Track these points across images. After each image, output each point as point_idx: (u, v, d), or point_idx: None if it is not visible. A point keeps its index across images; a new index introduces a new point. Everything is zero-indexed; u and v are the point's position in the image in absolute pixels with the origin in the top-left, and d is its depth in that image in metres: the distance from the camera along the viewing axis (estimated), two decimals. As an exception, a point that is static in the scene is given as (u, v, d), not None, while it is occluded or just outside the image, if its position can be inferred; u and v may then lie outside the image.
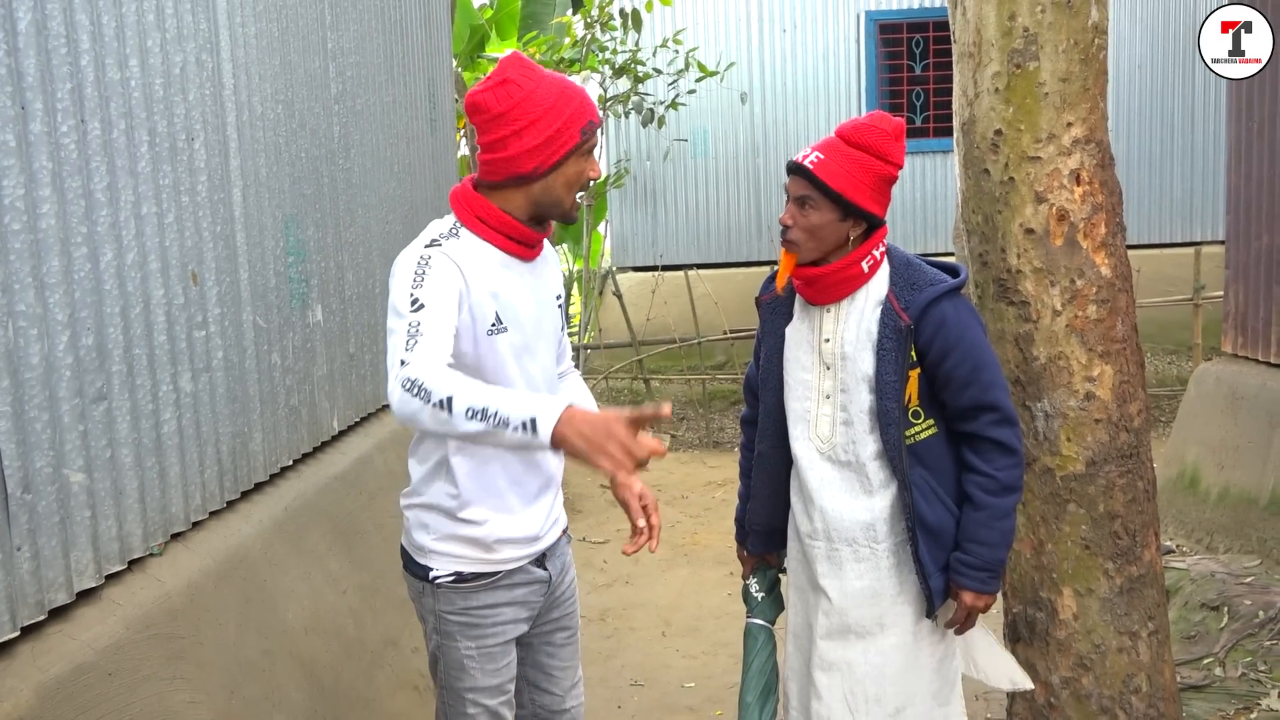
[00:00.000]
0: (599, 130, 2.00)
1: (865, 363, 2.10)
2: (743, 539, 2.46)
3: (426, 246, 1.91)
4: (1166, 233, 8.82)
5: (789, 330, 2.22)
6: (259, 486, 2.99)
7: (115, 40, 2.30)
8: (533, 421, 1.60)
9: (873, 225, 2.12)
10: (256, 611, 2.69)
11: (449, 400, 1.64)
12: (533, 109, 1.91)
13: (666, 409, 1.63)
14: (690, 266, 8.49)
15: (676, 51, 7.98)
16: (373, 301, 3.97)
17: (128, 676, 2.13)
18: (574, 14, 8.01)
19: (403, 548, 2.09)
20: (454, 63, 6.37)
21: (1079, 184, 2.42)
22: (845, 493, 2.16)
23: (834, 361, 2.14)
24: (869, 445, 2.12)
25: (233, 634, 2.55)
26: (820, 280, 2.12)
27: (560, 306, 2.13)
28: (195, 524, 2.62)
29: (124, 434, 2.30)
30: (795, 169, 2.10)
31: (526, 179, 1.94)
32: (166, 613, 2.32)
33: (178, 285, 2.54)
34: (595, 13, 7.58)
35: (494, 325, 1.94)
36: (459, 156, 6.57)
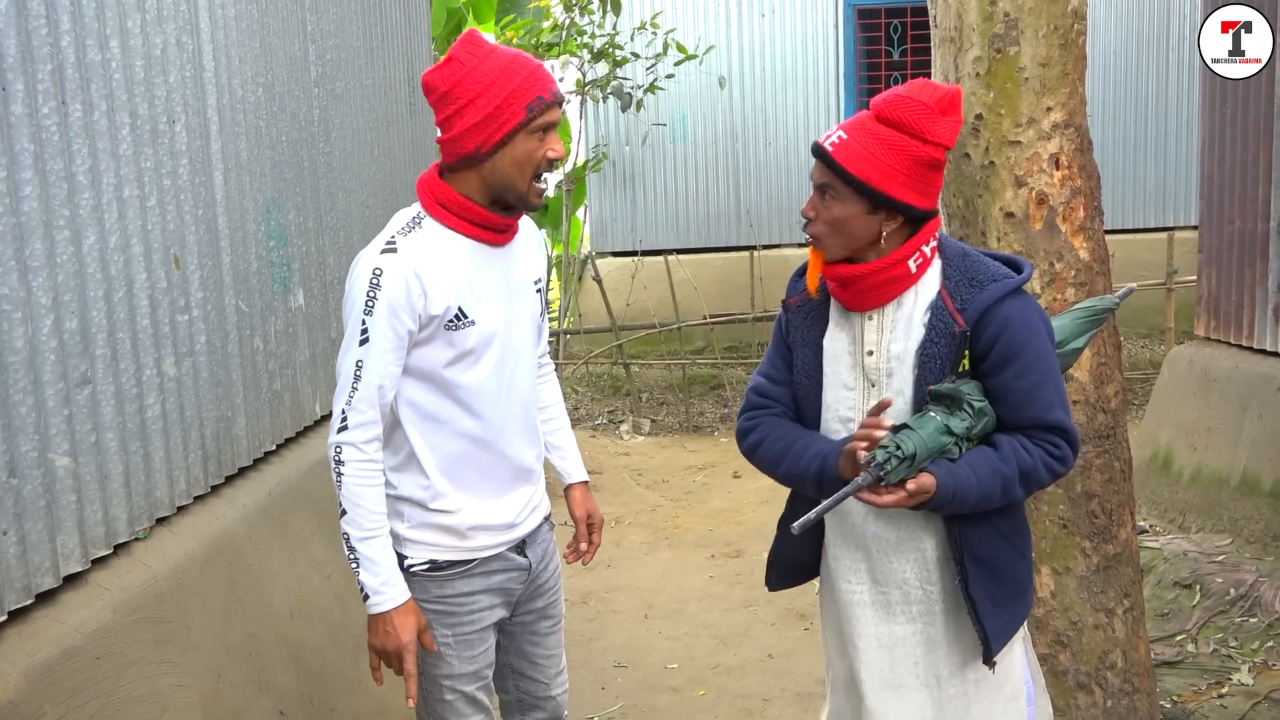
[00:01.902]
0: (554, 106, 1.87)
1: (907, 371, 1.79)
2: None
3: (382, 252, 1.86)
4: (1141, 218, 8.91)
5: (827, 342, 1.88)
6: (243, 471, 2.99)
7: (95, 21, 2.28)
8: (369, 594, 1.88)
9: (916, 217, 1.78)
10: (242, 595, 2.69)
11: (343, 510, 1.88)
12: (474, 85, 1.82)
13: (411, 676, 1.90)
14: (669, 252, 8.50)
15: (655, 35, 7.96)
16: (354, 286, 3.95)
17: (115, 660, 2.13)
18: (552, -3, 7.97)
19: None
20: (432, 46, 6.33)
21: (1058, 168, 2.45)
22: (893, 529, 1.85)
23: (879, 378, 1.82)
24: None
25: (219, 618, 2.55)
26: (857, 282, 1.80)
27: (539, 291, 2.08)
28: (180, 508, 2.61)
29: (108, 418, 2.29)
30: (816, 152, 1.79)
31: (473, 159, 1.87)
32: (153, 597, 2.32)
33: (160, 269, 2.53)
34: (573, -4, 7.55)
35: (456, 320, 1.89)
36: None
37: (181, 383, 2.62)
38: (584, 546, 2.26)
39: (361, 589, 1.89)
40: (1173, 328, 6.87)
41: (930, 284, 1.81)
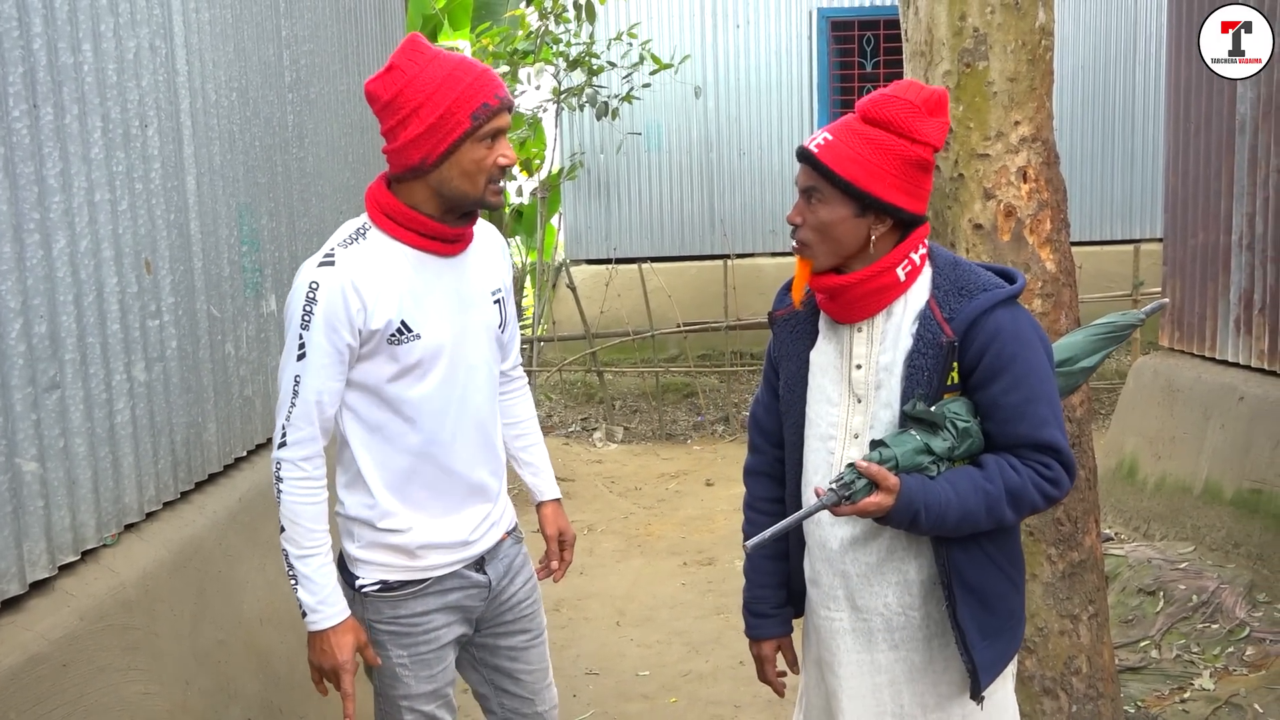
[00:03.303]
0: (501, 111, 1.80)
1: (895, 383, 1.72)
2: (757, 630, 1.98)
3: (319, 265, 1.82)
4: (1108, 230, 9.05)
5: (814, 355, 1.81)
6: (213, 477, 2.97)
7: (68, 24, 2.27)
8: (306, 612, 1.86)
9: (905, 222, 1.73)
10: (211, 602, 2.67)
11: (281, 528, 1.86)
12: (415, 95, 1.76)
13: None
14: (644, 260, 8.53)
15: (630, 45, 8.00)
16: (327, 292, 3.94)
17: (82, 667, 2.11)
18: (528, 5, 7.99)
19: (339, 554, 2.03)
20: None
21: (1026, 181, 2.49)
22: (874, 553, 1.77)
23: (866, 393, 1.75)
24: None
25: (188, 625, 2.53)
26: (845, 292, 1.73)
27: (498, 302, 2.00)
28: (149, 514, 2.59)
29: (77, 423, 2.28)
30: (801, 155, 1.73)
31: (419, 171, 1.81)
32: (121, 604, 2.30)
33: (131, 274, 2.51)
34: (549, 4, 7.57)
35: (399, 334, 1.83)
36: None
37: (152, 388, 2.60)
38: (555, 565, 2.24)
39: (300, 606, 1.87)
40: (1138, 339, 6.98)
41: (919, 293, 1.73)
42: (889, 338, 1.74)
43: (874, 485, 1.62)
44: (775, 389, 1.92)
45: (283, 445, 1.85)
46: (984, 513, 1.67)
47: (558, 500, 2.27)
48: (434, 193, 1.84)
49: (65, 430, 2.24)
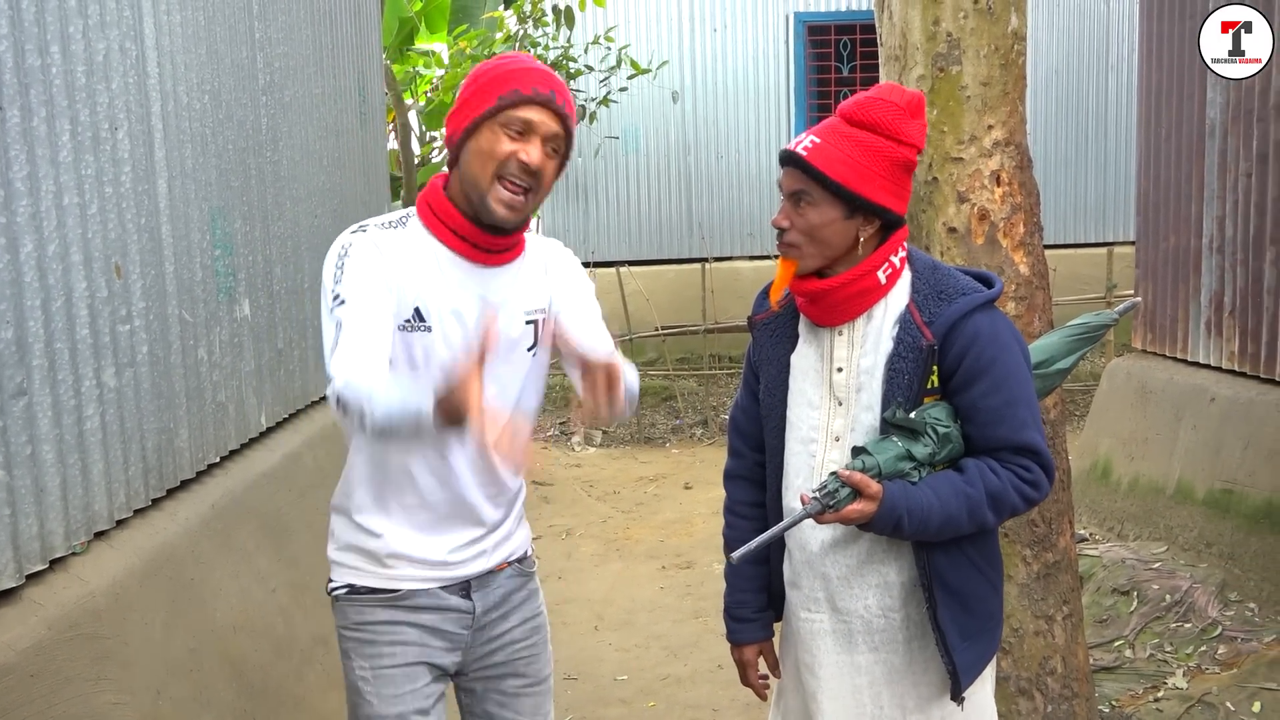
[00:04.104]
0: (534, 104, 1.68)
1: (876, 386, 1.72)
2: (739, 634, 1.96)
3: (351, 232, 1.75)
4: (1081, 234, 9.14)
5: (795, 359, 1.81)
6: (185, 484, 2.94)
7: (35, 26, 2.24)
8: (419, 411, 1.54)
9: (888, 224, 1.74)
10: (184, 610, 2.64)
11: (375, 422, 1.58)
12: (469, 83, 1.74)
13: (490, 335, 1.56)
14: (621, 263, 8.53)
15: (608, 49, 8.00)
16: (301, 296, 3.91)
17: (51, 678, 2.08)
18: (506, 9, 7.98)
19: None
20: (384, 55, 6.30)
21: (999, 184, 2.51)
22: (855, 555, 1.77)
23: (847, 396, 1.75)
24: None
25: (159, 634, 2.50)
26: (826, 296, 1.74)
27: (532, 323, 1.81)
28: (120, 522, 2.56)
29: (45, 430, 2.24)
30: (788, 159, 1.72)
31: (453, 153, 1.74)
32: (90, 613, 2.27)
33: (101, 278, 2.48)
34: (528, 8, 7.56)
35: (411, 321, 1.72)
36: (389, 151, 6.49)
37: (122, 394, 2.57)
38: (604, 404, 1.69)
39: (418, 417, 1.54)
40: (1112, 340, 7.05)
41: (899, 297, 1.74)
42: (870, 341, 1.74)
43: (857, 493, 1.63)
44: (755, 393, 1.92)
45: (331, 381, 1.63)
46: (966, 516, 1.67)
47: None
48: (460, 182, 1.74)
49: (33, 437, 2.21)
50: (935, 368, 1.70)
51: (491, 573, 1.87)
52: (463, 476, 1.81)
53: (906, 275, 1.76)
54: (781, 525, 1.66)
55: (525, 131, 1.69)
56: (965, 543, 1.73)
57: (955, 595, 1.73)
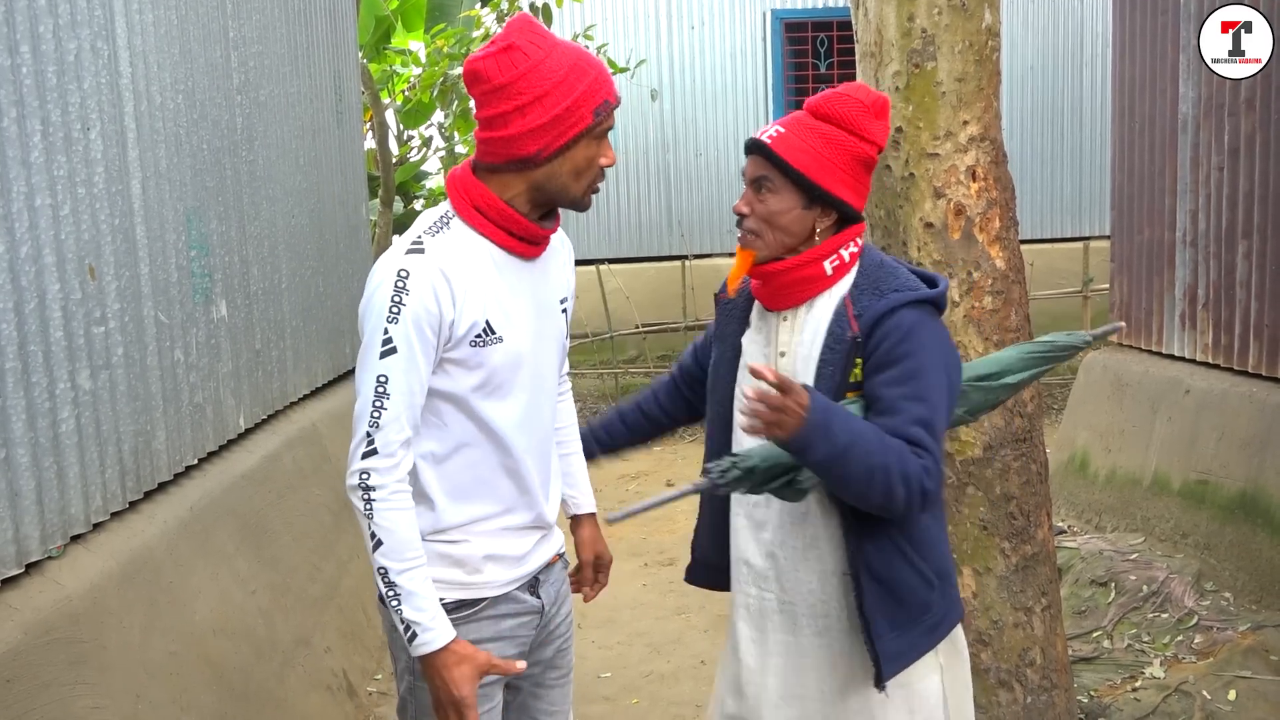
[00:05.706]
0: (614, 110, 1.70)
1: (809, 377, 1.75)
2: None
3: (407, 253, 1.64)
4: (1057, 228, 9.20)
5: (745, 340, 1.88)
6: (163, 486, 2.92)
7: (4, 25, 2.21)
8: (416, 633, 1.63)
9: (846, 218, 1.78)
10: (162, 613, 2.62)
11: (378, 541, 1.63)
12: (540, 82, 1.62)
13: (520, 666, 1.73)
14: (601, 261, 8.52)
15: (587, 47, 7.99)
16: (279, 296, 3.89)
17: (27, 683, 2.06)
18: (483, 7, 7.95)
19: None
20: (360, 54, 6.26)
21: (975, 180, 2.53)
22: (799, 537, 1.82)
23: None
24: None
25: (137, 637, 2.48)
26: (773, 279, 1.79)
27: (565, 310, 1.85)
28: (96, 525, 2.54)
29: (19, 433, 2.22)
30: (753, 146, 1.77)
31: (528, 163, 1.66)
32: (67, 617, 2.25)
33: (75, 280, 2.46)
34: (505, 6, 7.54)
35: (483, 335, 1.68)
36: (366, 150, 6.46)
37: (98, 396, 2.55)
38: (588, 590, 2.04)
39: (406, 630, 1.63)
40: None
41: (842, 290, 1.78)
42: (808, 330, 1.79)
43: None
44: (709, 351, 2.00)
45: (371, 454, 1.62)
46: (878, 449, 1.62)
47: (594, 515, 2.05)
48: (533, 187, 1.69)
49: (7, 440, 2.18)
50: (859, 361, 1.72)
51: (550, 565, 1.88)
52: (539, 471, 1.82)
53: (854, 271, 1.80)
54: (668, 494, 1.75)
55: (605, 135, 1.71)
56: (895, 532, 1.75)
57: (882, 584, 1.75)
